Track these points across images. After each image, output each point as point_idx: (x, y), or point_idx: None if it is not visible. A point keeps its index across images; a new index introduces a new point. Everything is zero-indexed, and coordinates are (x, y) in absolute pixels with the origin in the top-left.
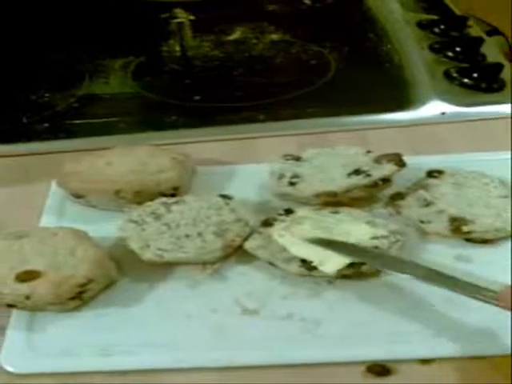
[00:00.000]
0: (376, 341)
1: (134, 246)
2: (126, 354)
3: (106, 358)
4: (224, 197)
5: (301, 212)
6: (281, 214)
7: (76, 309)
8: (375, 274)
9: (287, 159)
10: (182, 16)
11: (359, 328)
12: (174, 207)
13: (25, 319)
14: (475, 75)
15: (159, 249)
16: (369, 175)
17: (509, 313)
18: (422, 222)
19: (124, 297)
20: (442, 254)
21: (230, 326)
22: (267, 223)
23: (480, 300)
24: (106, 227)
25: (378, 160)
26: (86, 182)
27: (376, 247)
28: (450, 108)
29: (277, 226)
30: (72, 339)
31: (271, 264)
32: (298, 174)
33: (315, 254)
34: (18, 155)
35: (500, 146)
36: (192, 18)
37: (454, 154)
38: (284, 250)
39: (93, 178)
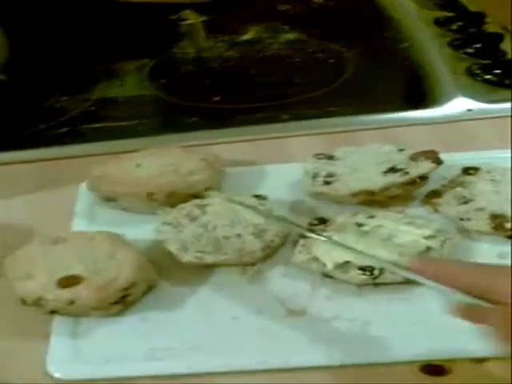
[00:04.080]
0: (429, 340)
1: (173, 248)
2: (173, 357)
3: (153, 362)
4: (258, 197)
5: (339, 220)
6: (315, 224)
7: (119, 313)
8: None
9: (319, 158)
10: (193, 17)
11: (408, 328)
12: (209, 208)
13: (68, 325)
14: (498, 71)
15: (198, 251)
16: (406, 173)
17: None
18: (461, 219)
19: (165, 300)
20: (485, 252)
21: (277, 328)
22: (306, 235)
23: (392, 269)
24: (139, 230)
25: (414, 157)
26: (117, 185)
27: (429, 248)
28: (475, 105)
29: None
30: (118, 344)
31: (328, 276)
32: (333, 172)
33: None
34: (38, 160)
35: None
36: (203, 19)
37: (486, 151)
38: (337, 259)
39: (124, 181)
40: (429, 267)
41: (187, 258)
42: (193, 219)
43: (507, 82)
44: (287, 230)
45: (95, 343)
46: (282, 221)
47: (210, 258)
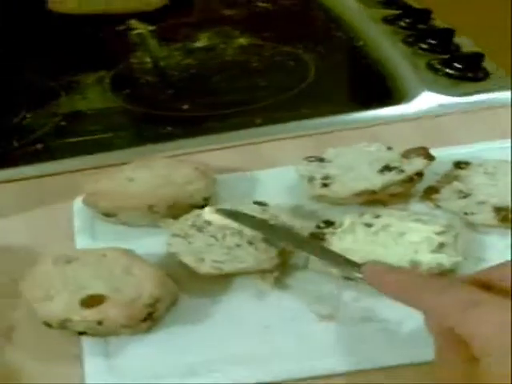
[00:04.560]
0: None
1: (189, 260)
2: (213, 372)
3: (194, 377)
4: (259, 203)
5: (347, 221)
6: (322, 227)
7: (147, 330)
8: None
9: (311, 161)
10: (140, 27)
11: None
12: None
13: (99, 345)
14: (458, 65)
15: (215, 261)
16: (402, 171)
17: None
18: (465, 213)
19: (191, 313)
20: (496, 245)
21: (313, 334)
22: (317, 238)
23: (343, 271)
24: (145, 244)
25: (405, 155)
26: (116, 200)
27: (443, 244)
28: (444, 99)
29: (330, 240)
30: (154, 361)
31: (350, 278)
32: (328, 174)
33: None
34: (20, 179)
35: (505, 133)
36: (152, 28)
37: (471, 144)
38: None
39: (122, 196)
40: (377, 275)
41: (205, 268)
42: (199, 229)
43: (470, 75)
44: (290, 237)
45: (131, 362)
46: (282, 230)
47: (228, 267)
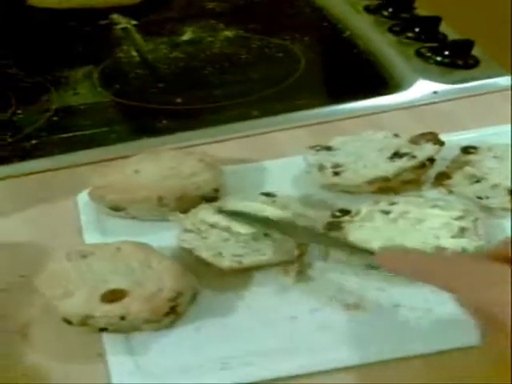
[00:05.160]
0: None
1: (207, 256)
2: (245, 365)
3: (226, 371)
4: (267, 195)
5: (364, 209)
6: (338, 216)
7: (170, 325)
8: None
9: (318, 150)
10: (123, 21)
11: None
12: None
13: (121, 342)
14: (447, 53)
15: (234, 255)
16: (413, 157)
17: None
18: (480, 198)
19: (213, 307)
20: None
21: (340, 324)
22: (334, 227)
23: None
24: (157, 238)
25: (414, 141)
26: (124, 193)
27: (463, 228)
28: (438, 86)
29: (349, 229)
30: (182, 356)
31: (372, 267)
32: (338, 163)
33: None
34: (16, 176)
35: (504, 118)
36: (134, 22)
37: (474, 129)
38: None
39: (131, 188)
40: (393, 260)
41: (226, 263)
42: (211, 224)
43: (460, 62)
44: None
45: (158, 358)
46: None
47: (249, 260)
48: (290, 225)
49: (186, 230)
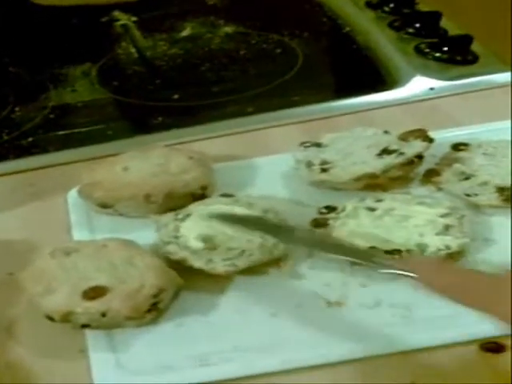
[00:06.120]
0: (478, 318)
1: (199, 264)
2: (225, 361)
3: (206, 368)
4: (226, 195)
5: (349, 206)
6: (324, 213)
7: (152, 322)
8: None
9: (307, 146)
10: (123, 18)
11: (452, 307)
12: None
13: (103, 339)
14: (446, 49)
15: (225, 259)
16: (402, 153)
17: None
18: (468, 195)
19: (196, 304)
20: (498, 225)
21: (321, 320)
22: (320, 224)
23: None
24: (143, 235)
25: (403, 138)
26: (112, 191)
27: (448, 226)
28: (435, 83)
29: (334, 226)
30: (163, 353)
31: (357, 264)
32: (326, 159)
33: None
34: (12, 173)
35: (499, 115)
36: (135, 19)
37: (466, 126)
38: (363, 246)
39: (118, 186)
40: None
41: (221, 268)
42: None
43: (459, 58)
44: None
45: (139, 355)
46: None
47: (241, 263)
48: (274, 225)
49: (165, 243)
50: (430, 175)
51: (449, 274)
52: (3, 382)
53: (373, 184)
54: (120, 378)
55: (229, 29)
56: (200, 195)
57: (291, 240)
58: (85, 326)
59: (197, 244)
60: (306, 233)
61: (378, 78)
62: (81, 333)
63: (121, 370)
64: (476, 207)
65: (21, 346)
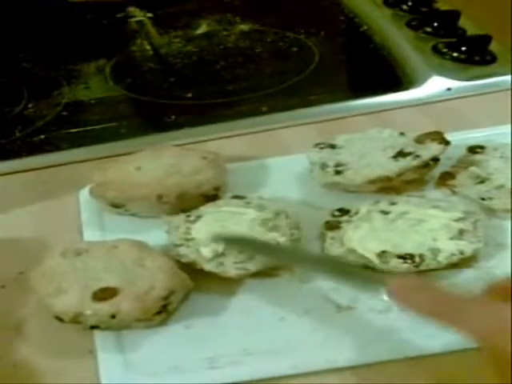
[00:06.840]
0: None
1: (210, 267)
2: (233, 364)
3: (214, 370)
4: (239, 197)
5: (363, 209)
6: (337, 216)
7: (161, 324)
8: None
9: (322, 147)
10: (139, 14)
11: None
12: (206, 217)
13: (111, 339)
14: (464, 49)
15: (236, 262)
16: (418, 156)
17: None
18: (483, 199)
19: (205, 306)
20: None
21: (331, 326)
22: (333, 226)
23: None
24: (155, 235)
25: (420, 140)
26: (124, 190)
27: (462, 230)
28: (452, 83)
29: (347, 228)
30: (171, 355)
31: (367, 267)
32: (340, 161)
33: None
34: (24, 171)
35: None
36: (150, 15)
37: (483, 129)
38: (375, 250)
39: (130, 186)
40: (404, 293)
41: (233, 272)
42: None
43: (477, 58)
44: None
45: (148, 356)
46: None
47: (252, 266)
48: (277, 248)
49: (176, 245)
50: (445, 178)
51: (419, 291)
52: (11, 381)
53: (387, 187)
54: (128, 379)
55: (245, 26)
56: (213, 196)
57: (296, 262)
58: (94, 327)
59: (207, 253)
60: (311, 255)
61: (394, 78)
62: (89, 333)
63: (129, 371)
64: (490, 211)
65: (29, 345)
